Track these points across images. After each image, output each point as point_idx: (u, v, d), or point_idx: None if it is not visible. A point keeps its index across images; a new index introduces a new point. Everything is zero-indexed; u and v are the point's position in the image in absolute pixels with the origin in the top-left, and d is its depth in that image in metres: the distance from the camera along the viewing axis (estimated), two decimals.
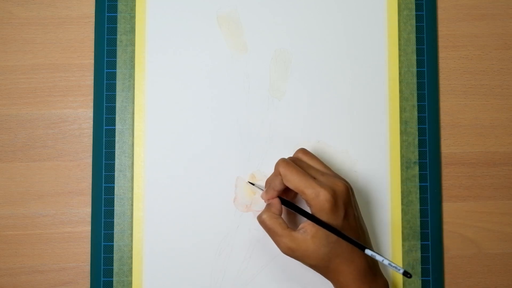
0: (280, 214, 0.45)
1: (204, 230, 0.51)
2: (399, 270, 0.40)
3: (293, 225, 0.50)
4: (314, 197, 0.42)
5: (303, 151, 0.47)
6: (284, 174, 0.44)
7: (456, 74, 0.53)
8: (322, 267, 0.44)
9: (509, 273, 0.52)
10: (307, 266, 0.44)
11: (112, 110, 0.51)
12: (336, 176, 0.45)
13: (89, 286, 0.50)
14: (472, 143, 0.53)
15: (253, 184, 0.50)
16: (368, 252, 0.41)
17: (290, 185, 0.44)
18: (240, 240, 0.51)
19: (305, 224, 0.43)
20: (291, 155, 0.51)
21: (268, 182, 0.47)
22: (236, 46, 0.52)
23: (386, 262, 0.40)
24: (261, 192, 0.48)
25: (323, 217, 0.42)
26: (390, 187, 0.51)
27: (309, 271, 0.50)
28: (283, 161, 0.45)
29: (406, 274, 0.39)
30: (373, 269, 0.45)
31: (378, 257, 0.41)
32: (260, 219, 0.45)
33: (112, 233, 0.50)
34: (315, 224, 0.43)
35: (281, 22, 0.53)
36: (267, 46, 0.52)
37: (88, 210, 0.51)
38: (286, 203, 0.46)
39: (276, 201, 0.46)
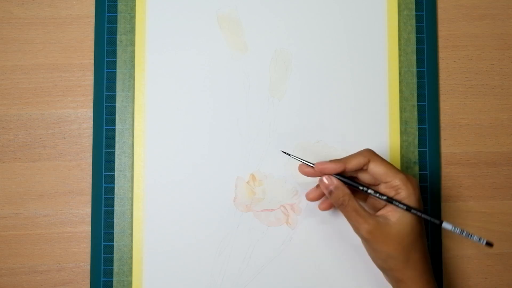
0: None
1: (204, 230, 0.51)
2: (482, 241, 0.40)
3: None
4: (406, 182, 0.43)
5: (372, 150, 0.45)
6: (373, 158, 0.44)
7: (456, 74, 0.53)
8: (400, 259, 0.42)
9: (509, 273, 0.52)
10: (380, 258, 0.43)
11: (112, 110, 0.51)
12: None
13: (89, 286, 0.50)
14: (472, 143, 0.53)
15: (292, 156, 0.47)
16: (446, 225, 0.42)
17: (379, 170, 0.43)
18: (240, 240, 0.51)
19: (385, 212, 0.43)
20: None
21: (336, 161, 0.44)
22: (236, 46, 0.52)
23: (464, 235, 0.41)
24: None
25: (412, 202, 0.43)
26: None
27: (308, 271, 0.50)
28: (370, 150, 0.45)
29: (488, 244, 0.40)
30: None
31: (458, 230, 0.42)
32: (338, 201, 0.43)
33: (112, 233, 0.50)
34: (398, 210, 0.42)
35: (281, 22, 0.53)
36: (267, 46, 0.52)
37: (88, 210, 0.51)
38: (355, 184, 0.44)
39: (344, 186, 0.44)
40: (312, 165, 0.45)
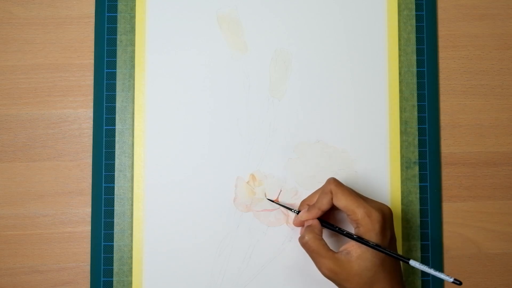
0: (321, 235, 0.44)
1: (204, 230, 0.51)
2: (449, 279, 0.39)
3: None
4: (365, 216, 0.42)
5: (336, 180, 0.46)
6: (335, 192, 0.44)
7: (456, 74, 0.53)
8: None
9: (509, 273, 0.52)
10: None
11: (112, 110, 0.51)
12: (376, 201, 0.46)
13: (89, 286, 0.50)
14: (472, 143, 0.53)
15: (277, 203, 0.50)
16: (413, 263, 0.41)
17: (340, 204, 0.43)
18: (240, 240, 0.51)
19: (349, 246, 0.43)
20: (291, 155, 0.51)
21: (307, 202, 0.47)
22: (236, 46, 0.52)
23: (432, 271, 0.40)
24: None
25: (372, 238, 0.42)
26: (390, 187, 0.51)
27: (308, 271, 0.50)
28: (334, 180, 0.45)
29: (456, 282, 0.39)
30: None
31: (425, 268, 0.41)
32: (302, 241, 0.44)
33: (112, 233, 0.50)
34: (360, 246, 0.42)
35: (281, 22, 0.53)
36: (267, 46, 0.52)
37: (88, 210, 0.51)
38: (326, 224, 0.46)
39: (317, 222, 0.45)
40: (296, 211, 0.48)
